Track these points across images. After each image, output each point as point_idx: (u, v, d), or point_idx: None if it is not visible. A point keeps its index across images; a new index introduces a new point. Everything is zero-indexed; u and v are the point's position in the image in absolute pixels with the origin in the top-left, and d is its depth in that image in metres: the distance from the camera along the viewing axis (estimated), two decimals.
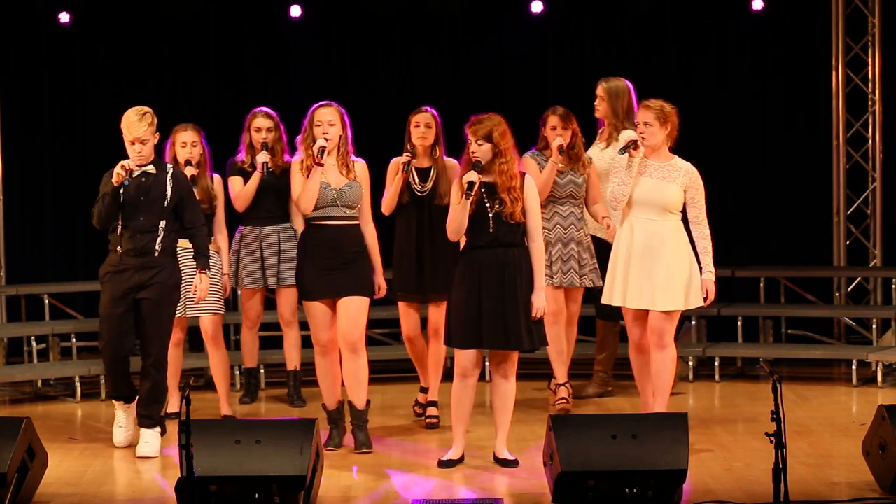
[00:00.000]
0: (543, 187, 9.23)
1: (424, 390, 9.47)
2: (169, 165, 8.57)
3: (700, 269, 8.47)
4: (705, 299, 8.46)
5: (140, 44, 12.58)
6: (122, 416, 8.73)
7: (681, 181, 8.43)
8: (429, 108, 9.20)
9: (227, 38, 12.71)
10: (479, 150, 8.01)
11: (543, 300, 8.09)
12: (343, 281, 8.38)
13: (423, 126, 9.14)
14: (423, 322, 9.44)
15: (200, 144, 9.22)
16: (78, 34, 12.51)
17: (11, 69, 12.44)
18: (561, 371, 9.66)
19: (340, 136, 8.43)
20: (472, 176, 7.93)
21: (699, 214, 8.48)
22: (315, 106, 8.47)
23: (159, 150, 8.72)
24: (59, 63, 12.57)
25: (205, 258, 8.65)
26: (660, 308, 8.40)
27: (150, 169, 8.42)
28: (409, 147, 9.13)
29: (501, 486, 7.79)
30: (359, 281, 8.42)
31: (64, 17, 12.35)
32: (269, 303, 10.16)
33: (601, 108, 9.81)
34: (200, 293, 8.63)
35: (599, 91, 9.87)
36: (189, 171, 9.00)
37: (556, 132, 9.38)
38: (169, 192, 8.44)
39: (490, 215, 8.02)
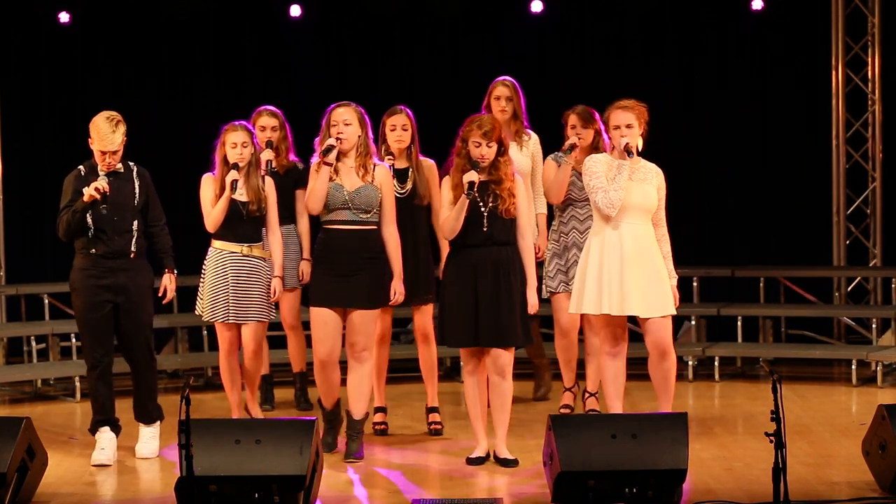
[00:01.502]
0: (559, 189, 9.07)
1: (382, 409, 9.23)
2: (131, 163, 8.39)
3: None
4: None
5: (140, 44, 12.58)
6: (107, 440, 8.40)
7: (655, 182, 8.32)
8: (404, 108, 9.00)
9: (227, 38, 12.72)
10: (489, 151, 8.02)
11: (536, 296, 8.12)
12: (353, 291, 8.18)
13: (399, 128, 8.94)
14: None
15: (251, 145, 8.76)
16: (78, 34, 12.52)
17: (11, 69, 12.44)
18: (569, 377, 9.56)
19: (359, 136, 8.23)
20: (473, 176, 7.94)
21: (664, 216, 8.38)
22: (332, 106, 8.29)
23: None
24: (59, 63, 12.58)
25: (171, 258, 8.48)
26: (670, 313, 8.29)
27: (118, 168, 8.32)
28: (383, 149, 8.93)
29: (501, 486, 7.78)
30: (369, 291, 8.21)
31: (64, 17, 12.36)
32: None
33: (509, 108, 9.41)
34: (169, 294, 8.44)
35: (507, 91, 9.45)
36: (231, 177, 8.57)
37: (576, 131, 9.05)
38: (137, 189, 8.35)
39: (484, 213, 8.03)
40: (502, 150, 8.08)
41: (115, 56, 12.59)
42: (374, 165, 8.27)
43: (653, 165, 8.39)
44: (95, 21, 12.52)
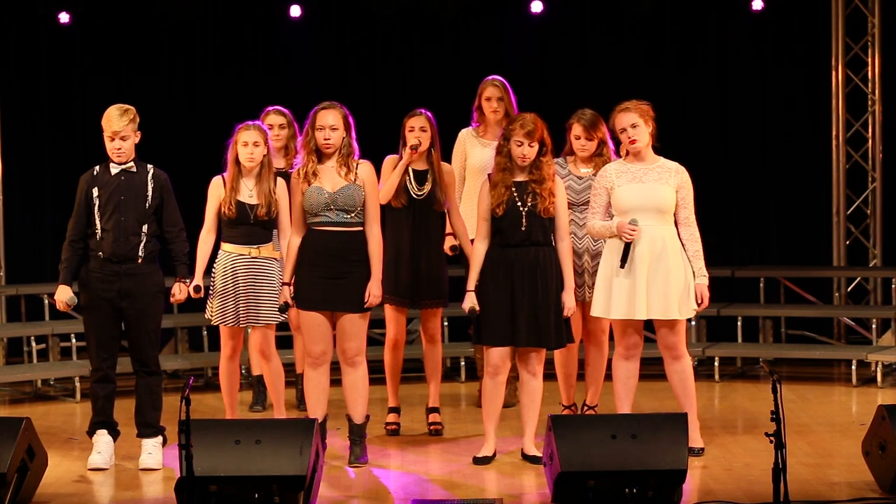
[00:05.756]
0: None
1: (395, 410, 9.25)
2: (149, 165, 8.25)
3: (693, 272, 8.27)
4: (699, 304, 8.30)
5: (140, 44, 12.58)
6: (104, 443, 8.31)
7: (673, 182, 8.25)
8: (423, 111, 8.88)
9: (227, 38, 12.71)
10: (530, 151, 8.04)
11: (573, 299, 8.12)
12: (342, 294, 8.06)
13: (417, 130, 8.81)
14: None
15: (263, 145, 8.57)
16: (78, 34, 12.52)
17: (11, 69, 12.44)
18: (567, 394, 9.10)
19: (343, 138, 8.10)
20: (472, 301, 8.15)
21: (690, 216, 8.30)
22: (317, 107, 8.14)
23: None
24: (59, 63, 12.58)
25: (184, 266, 8.30)
26: (681, 316, 8.24)
27: (131, 167, 8.18)
28: (403, 151, 8.83)
29: (501, 486, 7.78)
30: (359, 295, 8.07)
31: (64, 17, 12.35)
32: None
33: (501, 109, 9.26)
34: (175, 300, 8.31)
35: (497, 92, 9.28)
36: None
37: (580, 142, 8.66)
38: (150, 192, 8.18)
39: (523, 212, 8.04)
40: (544, 150, 8.08)
41: (115, 56, 12.58)
42: (358, 164, 8.16)
43: (673, 165, 8.31)
44: (95, 21, 12.51)
